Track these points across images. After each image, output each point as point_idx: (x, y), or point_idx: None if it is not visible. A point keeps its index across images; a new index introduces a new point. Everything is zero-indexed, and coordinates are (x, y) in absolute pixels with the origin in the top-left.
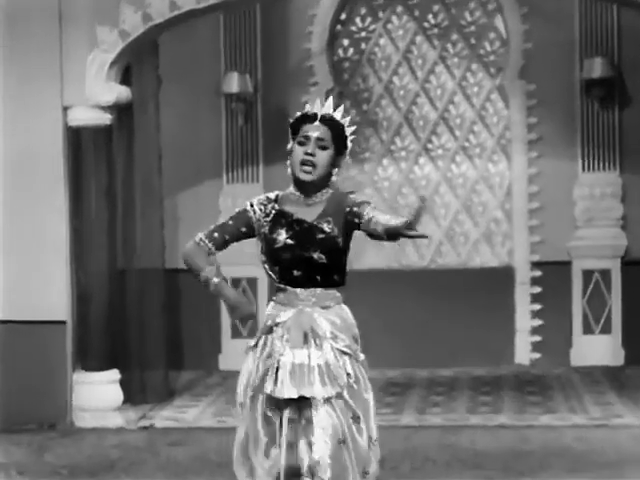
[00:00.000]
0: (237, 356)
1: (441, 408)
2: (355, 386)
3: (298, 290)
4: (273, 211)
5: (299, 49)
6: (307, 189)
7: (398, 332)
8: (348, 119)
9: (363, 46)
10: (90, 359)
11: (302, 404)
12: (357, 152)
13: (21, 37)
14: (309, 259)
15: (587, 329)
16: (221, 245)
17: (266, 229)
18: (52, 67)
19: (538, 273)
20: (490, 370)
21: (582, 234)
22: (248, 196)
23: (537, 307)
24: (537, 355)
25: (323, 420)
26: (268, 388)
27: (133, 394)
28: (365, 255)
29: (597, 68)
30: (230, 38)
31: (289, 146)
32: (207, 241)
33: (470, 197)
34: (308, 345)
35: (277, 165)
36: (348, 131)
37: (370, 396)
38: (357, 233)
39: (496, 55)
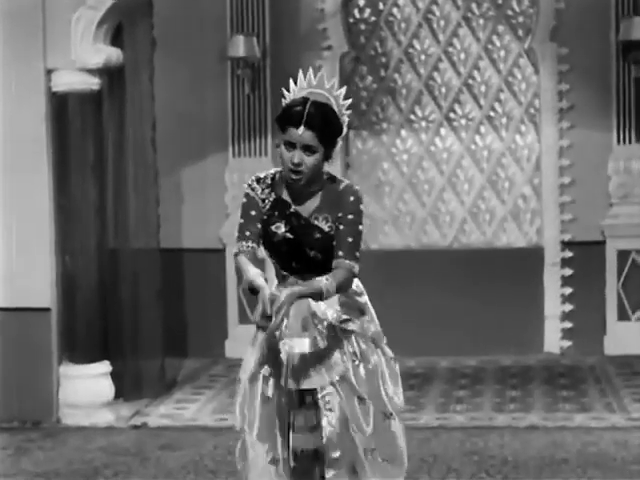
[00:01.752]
0: (244, 343)
1: (465, 405)
2: (361, 366)
3: (298, 278)
4: (270, 198)
5: (311, 10)
6: (300, 185)
7: (417, 317)
8: (340, 93)
9: (380, 6)
10: (78, 350)
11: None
12: (374, 122)
13: None
14: (307, 255)
15: (622, 315)
16: (258, 237)
17: (265, 218)
18: (33, 26)
19: (569, 254)
20: (517, 359)
21: (617, 211)
22: (255, 171)
23: (568, 291)
24: (568, 343)
25: (328, 403)
26: (267, 371)
27: (126, 388)
28: (382, 234)
29: (635, 29)
30: None
31: (277, 141)
32: (245, 243)
33: (496, 171)
34: (309, 332)
35: (277, 121)
36: (342, 108)
37: (383, 368)
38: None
39: (525, 16)
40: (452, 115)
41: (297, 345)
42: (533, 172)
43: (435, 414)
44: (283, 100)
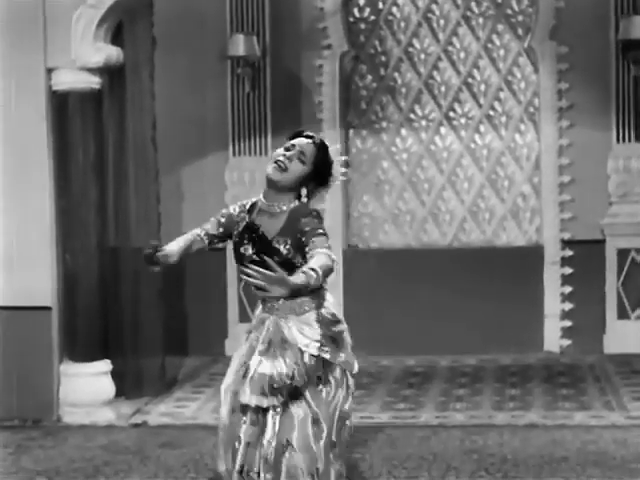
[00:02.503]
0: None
1: (464, 403)
2: (323, 390)
3: (273, 301)
4: (243, 222)
5: (311, 9)
6: (273, 191)
7: (417, 316)
8: (341, 161)
9: (380, 5)
10: (78, 349)
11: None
12: (373, 121)
13: None
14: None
15: (622, 313)
16: (210, 237)
17: (236, 240)
18: (34, 25)
19: (569, 252)
20: (517, 358)
21: (617, 210)
22: (255, 169)
23: (568, 289)
24: (568, 342)
25: (276, 424)
26: (232, 387)
27: (127, 387)
28: (382, 233)
29: (634, 28)
30: None
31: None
32: (196, 231)
33: (495, 170)
34: (272, 354)
35: (287, 135)
36: (336, 172)
37: (341, 397)
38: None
39: (524, 15)
40: (452, 114)
41: (262, 364)
42: (533, 171)
43: (435, 412)
44: None
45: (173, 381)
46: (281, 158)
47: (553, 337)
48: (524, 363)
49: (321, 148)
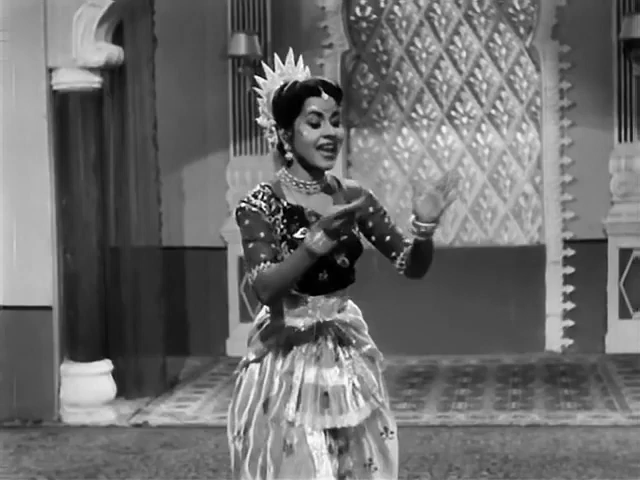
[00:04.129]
0: (245, 341)
1: (466, 403)
2: (379, 397)
3: (319, 298)
4: (281, 207)
5: (312, 8)
6: (315, 175)
7: (419, 316)
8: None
9: (382, 4)
10: (79, 349)
11: (335, 431)
12: (375, 120)
13: None
14: (333, 263)
15: (624, 313)
16: (276, 260)
17: (283, 230)
18: (35, 24)
19: (571, 252)
20: (519, 358)
21: (619, 210)
22: (257, 169)
23: (570, 289)
24: (570, 341)
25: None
26: (290, 415)
27: (127, 387)
28: None
29: (636, 27)
30: None
31: (262, 122)
32: (265, 264)
33: (497, 169)
34: (339, 362)
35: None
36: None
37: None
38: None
39: (526, 14)
40: (453, 113)
41: (330, 378)
42: (534, 170)
43: (436, 412)
44: (261, 89)
45: (174, 381)
46: (331, 134)
47: (555, 337)
48: (526, 363)
49: (336, 91)
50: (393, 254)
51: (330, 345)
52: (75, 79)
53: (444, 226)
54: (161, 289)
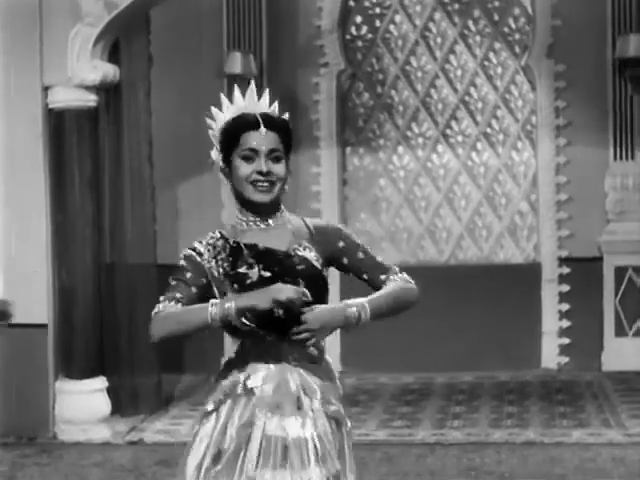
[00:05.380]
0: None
1: (461, 421)
2: (338, 466)
3: (279, 342)
4: (228, 246)
5: (308, 26)
6: (262, 210)
7: (414, 333)
8: (287, 116)
9: (377, 23)
10: (74, 366)
11: None
12: (370, 139)
13: None
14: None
15: (620, 331)
16: (191, 302)
17: (227, 267)
18: (31, 42)
19: (567, 270)
20: (515, 375)
21: (614, 228)
22: None
23: (565, 307)
24: (565, 359)
25: None
26: (250, 471)
27: (123, 404)
28: (379, 250)
29: (631, 46)
30: (233, 14)
31: (214, 156)
32: (171, 303)
33: (492, 188)
34: (301, 413)
35: (230, 130)
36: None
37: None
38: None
39: (521, 33)
40: (449, 132)
41: (291, 429)
42: (530, 188)
43: (432, 430)
44: (211, 128)
45: (169, 398)
46: (264, 170)
47: (551, 354)
48: (522, 380)
49: (277, 123)
50: (376, 287)
51: (293, 390)
52: (71, 97)
53: (440, 244)
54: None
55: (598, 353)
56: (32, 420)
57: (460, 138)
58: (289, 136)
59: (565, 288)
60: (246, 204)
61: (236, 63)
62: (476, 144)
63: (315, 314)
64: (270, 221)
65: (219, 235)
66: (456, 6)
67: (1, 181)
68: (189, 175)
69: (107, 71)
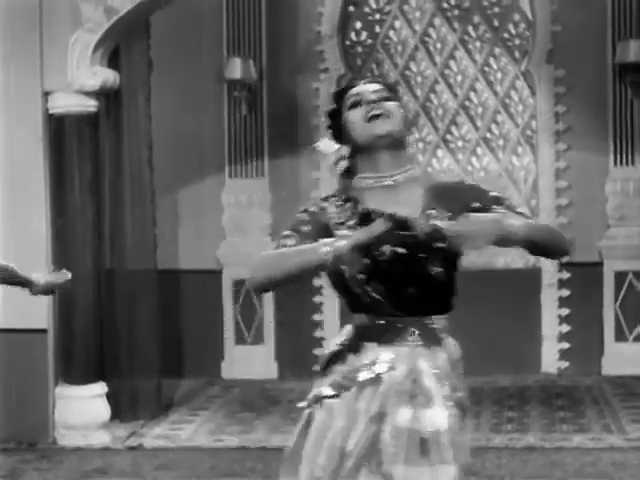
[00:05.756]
0: (240, 363)
1: None
2: (469, 458)
3: (405, 321)
4: (355, 211)
5: (308, 32)
6: (384, 159)
7: None
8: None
9: (377, 29)
10: (74, 371)
11: None
12: None
13: None
14: (427, 276)
15: (620, 336)
16: None
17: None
18: (31, 48)
19: (567, 275)
20: (515, 380)
21: (614, 233)
22: (252, 192)
23: (566, 311)
24: (565, 364)
25: None
26: (385, 467)
27: (122, 409)
28: None
29: (632, 51)
30: (233, 19)
31: (325, 147)
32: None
33: None
34: (435, 402)
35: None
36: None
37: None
38: None
39: (521, 38)
40: (449, 137)
41: (427, 418)
42: (530, 193)
43: None
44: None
45: (169, 403)
46: (377, 113)
47: (551, 359)
48: (522, 385)
49: (383, 82)
50: None
51: (424, 376)
52: (71, 103)
53: None
54: (156, 311)
55: (598, 358)
56: (32, 425)
57: (460, 143)
58: (395, 92)
59: (565, 293)
60: (370, 159)
61: (236, 68)
62: (476, 149)
63: (466, 218)
64: (393, 176)
65: (346, 196)
66: (456, 12)
67: (1, 186)
68: (189, 179)
69: (107, 77)
